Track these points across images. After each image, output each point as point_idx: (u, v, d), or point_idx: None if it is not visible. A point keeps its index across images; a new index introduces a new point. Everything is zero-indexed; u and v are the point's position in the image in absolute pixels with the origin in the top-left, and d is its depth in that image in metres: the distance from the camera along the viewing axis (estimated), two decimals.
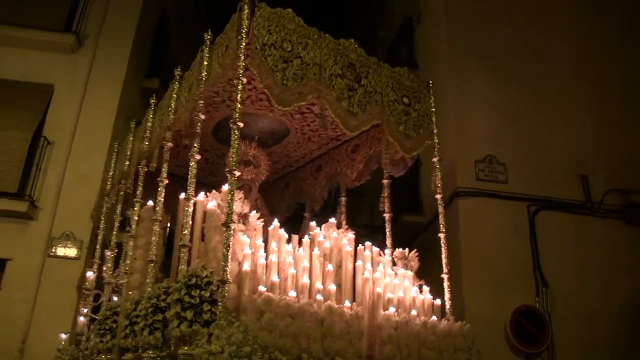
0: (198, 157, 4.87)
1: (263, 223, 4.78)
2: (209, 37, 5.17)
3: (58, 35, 10.25)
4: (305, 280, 4.51)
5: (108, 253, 6.27)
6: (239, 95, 4.42)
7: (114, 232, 6.32)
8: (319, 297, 4.34)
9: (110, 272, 6.10)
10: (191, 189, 4.74)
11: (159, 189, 5.25)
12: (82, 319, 6.50)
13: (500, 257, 7.65)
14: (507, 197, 7.98)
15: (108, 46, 10.42)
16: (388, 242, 5.96)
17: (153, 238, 5.14)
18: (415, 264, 5.50)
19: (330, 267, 4.75)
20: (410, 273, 5.38)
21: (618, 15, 9.41)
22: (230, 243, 4.07)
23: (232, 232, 4.12)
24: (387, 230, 6.06)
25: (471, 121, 8.45)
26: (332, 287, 4.55)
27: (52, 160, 9.54)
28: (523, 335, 7.17)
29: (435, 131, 5.69)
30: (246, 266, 4.26)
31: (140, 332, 4.44)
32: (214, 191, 4.85)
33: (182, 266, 4.47)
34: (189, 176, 4.78)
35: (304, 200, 7.02)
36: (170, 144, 5.37)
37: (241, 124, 4.42)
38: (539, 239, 7.90)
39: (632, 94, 8.86)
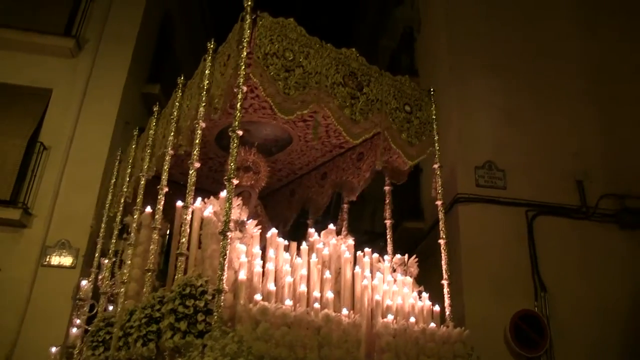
0: (198, 165, 4.85)
1: (260, 230, 4.76)
2: (211, 46, 5.19)
3: (57, 39, 10.17)
4: (302, 288, 4.46)
5: (105, 261, 6.16)
6: (238, 104, 4.42)
7: (113, 240, 6.23)
8: (317, 305, 4.33)
9: (107, 281, 5.99)
10: (190, 197, 4.71)
11: (159, 197, 5.22)
12: (74, 330, 6.36)
13: (500, 262, 7.69)
14: (506, 202, 8.03)
15: (109, 51, 10.35)
16: (389, 248, 5.98)
17: (151, 246, 5.07)
18: (414, 270, 5.51)
19: (328, 275, 4.74)
20: (409, 279, 5.39)
21: (621, 17, 9.47)
22: (227, 251, 4.04)
23: (229, 240, 4.10)
24: (388, 236, 6.08)
25: (471, 128, 8.50)
26: (330, 294, 4.54)
27: (48, 166, 9.38)
28: (523, 339, 7.20)
29: (436, 138, 5.73)
30: (242, 275, 4.22)
31: (134, 344, 4.36)
32: (211, 198, 4.83)
33: (178, 275, 4.41)
34: (188, 184, 4.77)
35: (310, 207, 7.01)
36: (171, 152, 5.37)
37: (240, 132, 4.42)
38: (537, 243, 7.94)
39: (631, 99, 8.91)
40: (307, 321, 4.15)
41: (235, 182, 4.34)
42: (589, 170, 8.36)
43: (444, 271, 5.40)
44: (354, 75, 5.18)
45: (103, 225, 6.96)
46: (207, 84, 5.00)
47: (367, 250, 5.38)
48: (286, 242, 4.95)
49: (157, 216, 5.19)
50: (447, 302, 5.34)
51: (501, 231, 7.92)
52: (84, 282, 6.70)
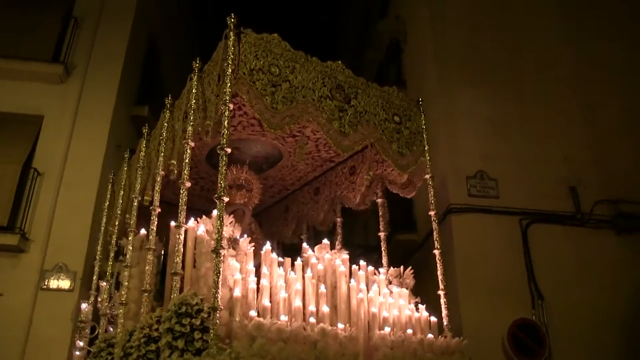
0: (188, 184, 4.83)
1: (254, 247, 4.76)
2: (197, 65, 5.19)
3: (46, 65, 10.21)
4: (298, 303, 4.45)
5: (103, 284, 6.19)
6: (226, 122, 4.42)
7: (110, 262, 6.24)
8: (312, 319, 4.31)
9: (106, 304, 6.01)
10: (182, 217, 4.69)
11: (152, 218, 5.22)
12: (77, 352, 6.37)
13: (495, 271, 7.70)
14: (499, 211, 8.07)
15: (97, 75, 10.39)
16: (384, 260, 5.96)
17: (146, 267, 5.07)
18: (410, 281, 5.50)
19: (323, 289, 4.72)
20: (405, 291, 5.38)
21: (606, 23, 9.59)
22: (221, 269, 4.04)
23: (222, 257, 4.10)
24: (383, 249, 6.06)
25: (461, 138, 8.56)
26: (325, 308, 4.52)
27: (42, 191, 9.40)
28: (521, 348, 7.19)
29: (427, 148, 5.72)
30: (237, 292, 4.22)
31: None
32: (204, 217, 4.81)
33: (174, 294, 4.40)
34: (179, 204, 4.76)
35: (309, 223, 6.98)
36: (162, 173, 5.36)
37: (229, 150, 4.41)
38: (532, 251, 7.97)
39: (622, 105, 8.99)
40: (303, 336, 4.13)
41: (226, 199, 4.33)
42: (582, 177, 8.39)
43: (440, 281, 5.37)
44: (341, 88, 5.19)
45: (99, 248, 6.95)
46: (195, 103, 5.00)
47: (363, 263, 5.37)
48: (280, 259, 4.92)
49: (150, 237, 5.18)
50: (444, 312, 5.31)
51: (495, 240, 7.94)
52: (84, 305, 6.70)
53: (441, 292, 5.35)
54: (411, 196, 6.19)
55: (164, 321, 4.09)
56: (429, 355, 4.78)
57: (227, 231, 4.49)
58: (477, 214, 8.02)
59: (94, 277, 6.70)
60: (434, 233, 5.58)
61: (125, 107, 10.94)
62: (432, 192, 5.68)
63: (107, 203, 7.18)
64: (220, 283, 4.00)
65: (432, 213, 5.65)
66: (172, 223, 4.98)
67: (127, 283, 5.47)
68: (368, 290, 5.01)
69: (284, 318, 4.20)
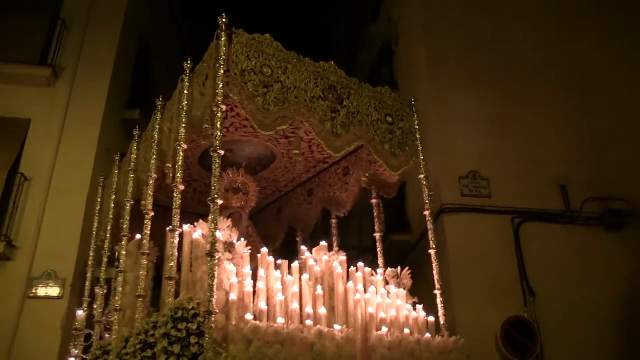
0: (182, 187, 4.80)
1: (250, 251, 4.73)
2: (188, 66, 5.15)
3: (33, 68, 10.07)
4: (295, 306, 4.42)
5: (97, 290, 6.10)
6: (218, 123, 4.39)
7: (103, 268, 6.15)
8: (309, 322, 4.29)
9: (100, 310, 5.92)
10: (176, 220, 4.66)
11: (145, 222, 5.17)
12: None
13: (488, 270, 7.74)
14: (491, 211, 8.12)
15: (86, 78, 10.24)
16: (380, 261, 5.94)
17: (141, 272, 5.03)
18: (408, 282, 5.48)
19: (320, 291, 4.69)
20: (403, 292, 5.37)
21: (595, 24, 9.66)
22: (216, 273, 4.01)
23: (217, 261, 4.08)
24: (379, 249, 6.05)
25: (453, 138, 8.61)
26: (323, 310, 4.49)
27: (30, 197, 9.23)
28: (514, 345, 7.24)
29: (420, 148, 5.71)
30: (233, 295, 4.20)
31: None
32: (200, 221, 4.78)
33: (169, 299, 4.37)
34: (173, 207, 4.72)
35: (298, 225, 6.96)
36: (155, 176, 5.31)
37: (222, 152, 4.38)
38: (524, 250, 8.04)
39: (611, 105, 9.06)
40: (300, 338, 4.10)
41: (223, 203, 4.30)
42: (572, 175, 8.46)
43: (436, 281, 5.36)
44: (334, 89, 5.16)
45: (92, 254, 6.82)
46: (186, 104, 4.96)
47: (360, 264, 5.34)
48: (279, 261, 4.89)
49: (144, 241, 5.14)
50: (440, 312, 5.30)
51: (488, 239, 7.99)
52: (79, 312, 6.55)
53: (437, 292, 5.34)
54: (392, 197, 6.20)
55: (160, 326, 4.06)
56: (426, 355, 4.76)
57: (225, 235, 4.46)
58: (469, 214, 8.07)
59: (87, 284, 6.60)
60: (429, 233, 5.56)
61: (116, 110, 10.79)
62: (426, 192, 5.67)
63: (99, 207, 7.09)
64: (216, 287, 3.97)
65: (427, 213, 5.62)
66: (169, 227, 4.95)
67: (121, 289, 5.41)
68: (365, 292, 4.99)
69: (281, 321, 4.16)
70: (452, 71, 9.09)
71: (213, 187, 4.25)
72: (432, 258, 5.43)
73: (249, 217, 6.25)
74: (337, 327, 4.42)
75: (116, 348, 4.84)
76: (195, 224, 4.80)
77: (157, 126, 5.57)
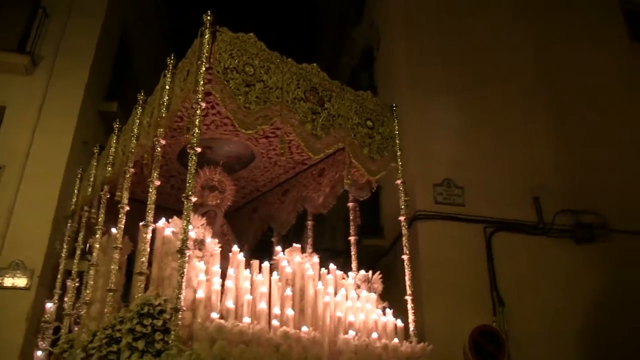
0: (158, 182, 4.80)
1: (222, 249, 4.71)
2: (171, 61, 5.13)
3: (11, 55, 9.89)
4: (262, 306, 4.41)
5: (69, 283, 6.03)
6: (197, 120, 4.38)
7: (75, 261, 6.08)
8: (275, 322, 4.28)
9: (71, 303, 5.86)
10: (150, 216, 4.66)
11: (120, 216, 5.14)
12: (39, 353, 6.15)
13: (459, 278, 7.81)
14: (464, 219, 8.20)
15: (65, 67, 10.09)
16: (354, 265, 5.95)
17: (112, 266, 5.00)
18: (378, 286, 5.51)
19: (289, 292, 4.69)
20: (373, 296, 5.39)
21: (572, 36, 9.84)
22: (185, 270, 4.00)
23: (187, 258, 4.06)
24: (353, 253, 6.06)
25: (429, 145, 8.67)
26: (290, 312, 4.49)
27: (2, 184, 9.06)
28: (481, 354, 7.27)
29: (399, 153, 5.74)
30: (200, 293, 4.19)
31: None
32: (175, 217, 4.75)
33: (139, 294, 4.34)
34: (148, 202, 4.71)
35: (272, 224, 6.97)
36: (132, 170, 5.28)
37: (199, 149, 4.38)
38: (495, 259, 8.12)
39: (583, 117, 9.23)
40: (265, 338, 4.10)
41: (197, 200, 4.29)
42: (545, 187, 8.57)
43: (407, 287, 5.38)
44: (315, 91, 5.18)
45: (65, 246, 6.75)
46: (167, 100, 4.94)
47: (332, 267, 5.36)
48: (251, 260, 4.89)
49: (118, 235, 5.11)
50: (410, 317, 5.31)
51: (460, 247, 8.06)
52: (49, 304, 6.46)
53: (408, 297, 5.36)
54: (366, 198, 6.20)
55: (125, 322, 4.04)
56: None
57: (198, 233, 4.45)
58: (443, 222, 8.14)
59: (59, 276, 6.50)
60: (403, 238, 5.59)
61: (94, 101, 10.64)
62: (402, 198, 5.70)
63: (75, 199, 7.01)
64: (184, 284, 3.95)
65: (401, 218, 5.66)
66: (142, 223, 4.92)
67: (93, 282, 5.36)
68: (336, 294, 5.00)
69: (247, 321, 4.15)
70: (431, 78, 9.19)
71: (188, 184, 4.24)
72: (405, 263, 5.46)
73: (224, 215, 6.24)
74: (304, 329, 4.42)
75: (82, 342, 4.77)
76: (170, 220, 4.77)
77: (137, 120, 5.54)
